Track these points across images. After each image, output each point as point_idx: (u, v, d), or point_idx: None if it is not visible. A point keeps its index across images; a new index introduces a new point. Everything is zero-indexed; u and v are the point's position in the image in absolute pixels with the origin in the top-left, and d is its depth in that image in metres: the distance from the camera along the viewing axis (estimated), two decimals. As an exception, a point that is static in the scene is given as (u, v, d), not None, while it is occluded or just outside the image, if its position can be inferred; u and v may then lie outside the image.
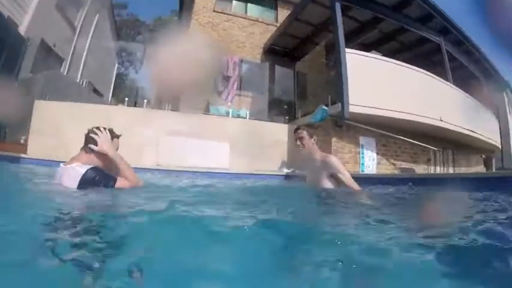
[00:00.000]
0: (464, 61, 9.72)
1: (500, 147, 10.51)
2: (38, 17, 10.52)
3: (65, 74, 11.93)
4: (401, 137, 7.26)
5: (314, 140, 3.44)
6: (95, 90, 14.16)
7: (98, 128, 2.42)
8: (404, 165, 7.47)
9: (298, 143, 3.43)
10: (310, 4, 8.64)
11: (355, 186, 3.10)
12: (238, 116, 8.98)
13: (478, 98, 9.20)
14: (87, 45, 14.77)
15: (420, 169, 7.58)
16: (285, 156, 7.72)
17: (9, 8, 9.12)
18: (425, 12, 8.25)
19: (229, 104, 9.88)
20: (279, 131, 7.97)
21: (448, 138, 8.03)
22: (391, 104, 6.76)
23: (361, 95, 6.67)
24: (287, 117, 9.10)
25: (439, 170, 7.84)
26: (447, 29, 8.72)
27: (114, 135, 2.47)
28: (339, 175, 3.14)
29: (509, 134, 11.25)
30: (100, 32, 16.18)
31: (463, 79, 9.60)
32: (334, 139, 6.96)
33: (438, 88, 7.84)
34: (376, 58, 7.73)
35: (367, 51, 8.01)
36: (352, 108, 6.56)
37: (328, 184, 3.21)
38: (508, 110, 12.02)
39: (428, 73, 7.67)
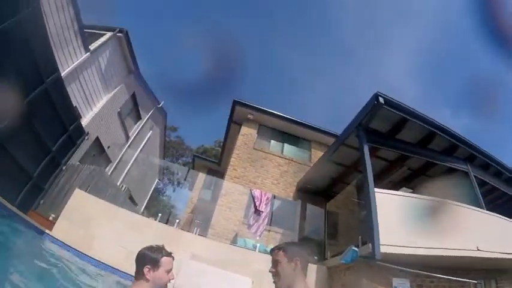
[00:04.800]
0: (494, 183, 9.27)
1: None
2: (100, 117, 11.70)
3: (109, 174, 12.38)
4: (438, 275, 6.43)
5: (296, 264, 2.13)
6: (131, 198, 14.40)
7: (152, 247, 2.19)
8: (443, 305, 6.46)
9: (272, 269, 2.21)
10: (342, 147, 9.06)
11: None
12: (266, 252, 8.51)
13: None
14: (136, 155, 15.77)
15: (462, 308, 6.52)
16: (314, 298, 7.03)
17: (79, 99, 10.27)
18: (450, 143, 8.36)
19: (257, 238, 9.52)
20: (308, 271, 7.35)
21: (489, 267, 7.02)
22: (423, 240, 6.30)
23: (393, 234, 6.33)
24: (316, 257, 8.52)
25: (483, 306, 6.66)
26: (473, 155, 8.68)
27: (167, 254, 2.20)
28: None
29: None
30: (149, 146, 17.48)
31: (496, 201, 9.36)
32: (364, 281, 6.33)
33: (471, 217, 7.34)
34: (405, 196, 7.50)
35: (397, 189, 7.89)
36: (384, 249, 6.15)
37: None
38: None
39: (458, 203, 7.28)
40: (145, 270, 2.03)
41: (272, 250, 2.28)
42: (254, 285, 6.81)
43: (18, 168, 5.53)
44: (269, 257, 6.63)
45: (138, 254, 2.12)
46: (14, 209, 4.94)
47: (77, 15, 9.57)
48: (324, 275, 7.62)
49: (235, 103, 13.05)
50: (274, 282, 2.17)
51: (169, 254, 2.18)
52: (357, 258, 6.58)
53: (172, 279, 2.15)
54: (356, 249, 6.66)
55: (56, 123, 6.53)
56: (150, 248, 2.15)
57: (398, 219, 6.67)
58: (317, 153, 12.65)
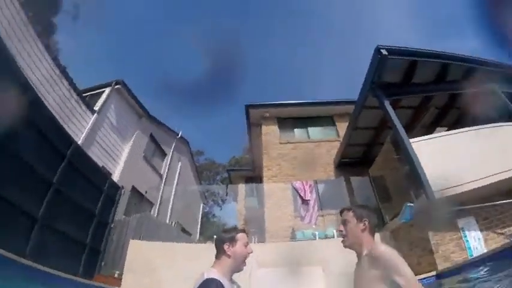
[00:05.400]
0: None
1: None
2: (129, 167, 12.11)
3: (155, 216, 12.81)
4: (501, 201, 6.15)
5: (365, 225, 2.18)
6: (184, 230, 14.82)
7: (225, 228, 2.43)
8: (514, 229, 6.19)
9: (341, 229, 2.30)
10: (363, 111, 8.90)
11: None
12: (326, 237, 8.50)
13: None
14: (174, 189, 16.20)
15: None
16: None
17: (103, 159, 10.74)
18: (466, 69, 7.98)
19: (313, 226, 9.50)
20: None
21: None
22: (476, 173, 6.07)
23: (443, 178, 6.06)
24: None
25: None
26: (493, 71, 8.08)
27: (242, 230, 2.36)
28: (396, 279, 1.76)
29: None
30: (184, 177, 17.89)
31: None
32: (430, 234, 6.16)
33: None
34: (441, 136, 7.28)
35: (431, 132, 7.61)
36: (439, 194, 5.98)
37: None
38: None
39: (497, 124, 7.04)
40: (225, 247, 2.19)
41: (341, 211, 2.35)
42: (324, 271, 6.80)
43: (72, 241, 5.82)
44: (331, 242, 6.60)
45: (215, 239, 2.32)
46: (80, 279, 5.21)
47: (71, 84, 9.97)
48: (389, 240, 7.46)
49: (248, 107, 13.10)
50: (342, 241, 2.27)
51: (243, 230, 2.34)
52: (416, 214, 6.44)
53: (251, 252, 2.29)
54: (412, 204, 6.55)
55: (91, 188, 6.81)
56: (225, 230, 2.37)
57: (443, 160, 6.50)
58: (342, 126, 12.31)
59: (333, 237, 8.30)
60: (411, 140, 6.87)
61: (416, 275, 5.44)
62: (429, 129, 8.89)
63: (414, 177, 6.57)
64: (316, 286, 6.60)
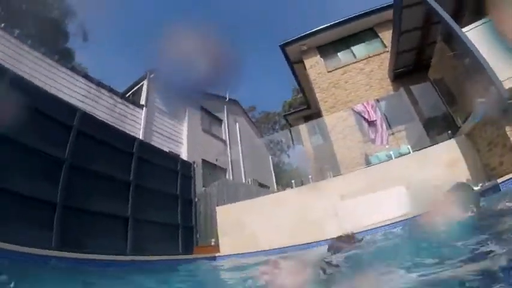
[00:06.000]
0: None
1: None
2: (192, 143, 12.80)
3: (231, 179, 13.52)
4: None
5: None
6: (261, 185, 15.44)
7: (340, 236, 2.30)
8: None
9: None
10: (404, 11, 8.12)
11: None
12: (401, 154, 8.21)
13: None
14: (240, 150, 16.70)
15: None
16: (466, 174, 6.49)
17: (167, 144, 11.42)
18: None
19: (386, 146, 9.22)
20: (449, 150, 6.95)
21: None
22: None
23: (509, 65, 5.45)
24: (450, 132, 7.85)
25: None
26: None
27: (350, 238, 2.29)
28: None
29: None
30: (245, 136, 18.37)
31: None
32: (507, 128, 5.61)
33: None
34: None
35: (483, 17, 6.68)
36: (508, 84, 5.36)
37: None
38: None
39: None
40: None
41: None
42: (408, 189, 6.63)
43: (164, 226, 6.47)
44: (407, 158, 6.23)
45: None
46: (181, 256, 5.77)
47: (111, 91, 10.49)
48: (466, 144, 6.97)
49: (283, 46, 12.64)
50: None
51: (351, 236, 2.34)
52: (489, 109, 5.92)
53: None
54: (482, 100, 6.00)
55: (165, 173, 7.33)
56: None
57: (506, 47, 5.68)
58: (387, 35, 11.47)
59: (409, 153, 8.03)
60: (464, 30, 6.11)
61: (499, 177, 5.03)
62: (478, 16, 7.92)
63: (478, 70, 5.91)
64: (401, 205, 6.51)
